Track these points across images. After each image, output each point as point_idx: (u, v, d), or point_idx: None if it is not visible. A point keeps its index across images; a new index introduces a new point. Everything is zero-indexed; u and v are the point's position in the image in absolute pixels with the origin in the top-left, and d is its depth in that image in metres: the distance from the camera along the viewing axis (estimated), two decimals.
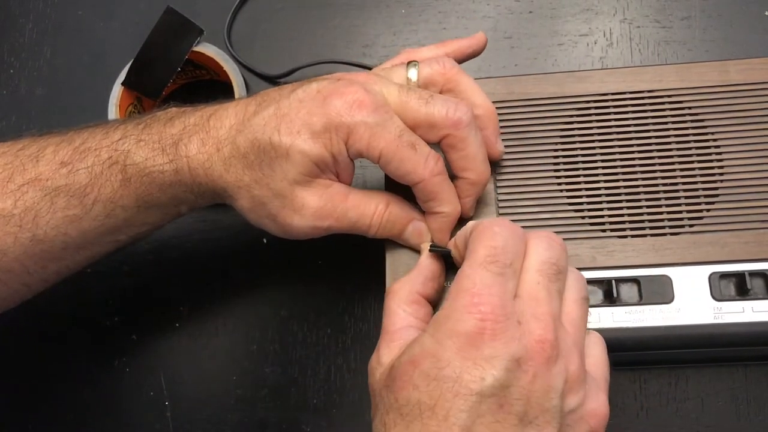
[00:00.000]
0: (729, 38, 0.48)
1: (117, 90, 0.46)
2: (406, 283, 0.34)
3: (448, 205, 0.35)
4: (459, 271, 0.31)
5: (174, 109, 0.37)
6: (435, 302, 0.35)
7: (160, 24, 0.45)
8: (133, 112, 0.48)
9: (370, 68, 0.49)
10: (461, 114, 0.34)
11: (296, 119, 0.33)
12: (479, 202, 0.38)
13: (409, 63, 0.37)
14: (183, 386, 0.45)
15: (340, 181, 0.35)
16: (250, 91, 0.47)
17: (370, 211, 0.35)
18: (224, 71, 0.46)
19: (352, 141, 0.33)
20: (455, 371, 0.27)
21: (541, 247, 0.31)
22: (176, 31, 0.45)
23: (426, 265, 0.35)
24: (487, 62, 0.50)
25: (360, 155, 0.34)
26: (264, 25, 0.53)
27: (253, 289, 0.47)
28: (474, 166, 0.35)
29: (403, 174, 0.34)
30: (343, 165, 0.34)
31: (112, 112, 0.45)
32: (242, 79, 0.45)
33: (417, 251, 0.36)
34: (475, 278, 0.29)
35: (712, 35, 0.48)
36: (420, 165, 0.33)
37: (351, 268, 0.46)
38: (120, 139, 0.36)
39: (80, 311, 0.47)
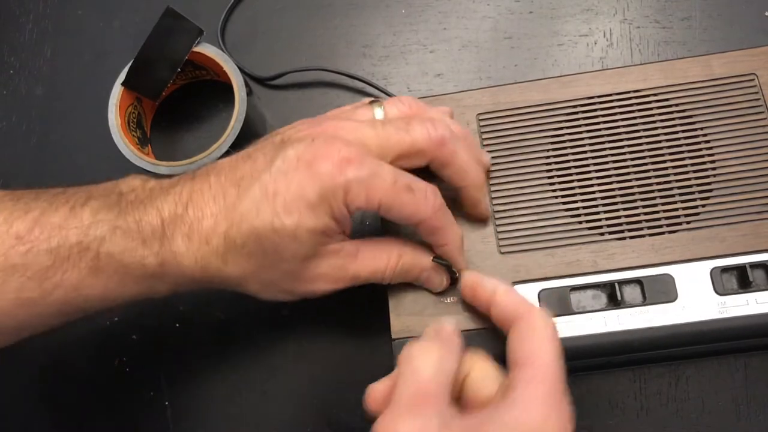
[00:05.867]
0: (729, 38, 0.48)
1: (117, 90, 0.46)
2: None
3: (451, 234, 0.35)
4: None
5: (138, 184, 0.35)
6: None
7: (159, 24, 0.45)
8: (133, 112, 0.48)
9: (359, 79, 0.49)
10: (441, 131, 0.34)
11: (290, 197, 0.31)
12: (476, 218, 0.38)
13: (372, 102, 0.37)
14: (183, 386, 0.45)
15: (345, 234, 0.35)
16: (251, 92, 0.46)
17: (381, 265, 0.35)
18: (224, 72, 0.46)
19: (350, 200, 0.32)
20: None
21: None
22: (176, 31, 0.45)
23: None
24: (487, 62, 0.50)
25: (360, 210, 0.33)
26: (263, 26, 0.53)
27: None
28: (470, 173, 0.36)
29: (405, 217, 0.33)
30: (346, 222, 0.34)
31: (112, 112, 0.45)
32: (243, 79, 0.45)
33: (422, 289, 0.37)
34: None
35: (712, 35, 0.48)
36: (420, 205, 0.33)
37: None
38: (91, 224, 0.32)
39: None
